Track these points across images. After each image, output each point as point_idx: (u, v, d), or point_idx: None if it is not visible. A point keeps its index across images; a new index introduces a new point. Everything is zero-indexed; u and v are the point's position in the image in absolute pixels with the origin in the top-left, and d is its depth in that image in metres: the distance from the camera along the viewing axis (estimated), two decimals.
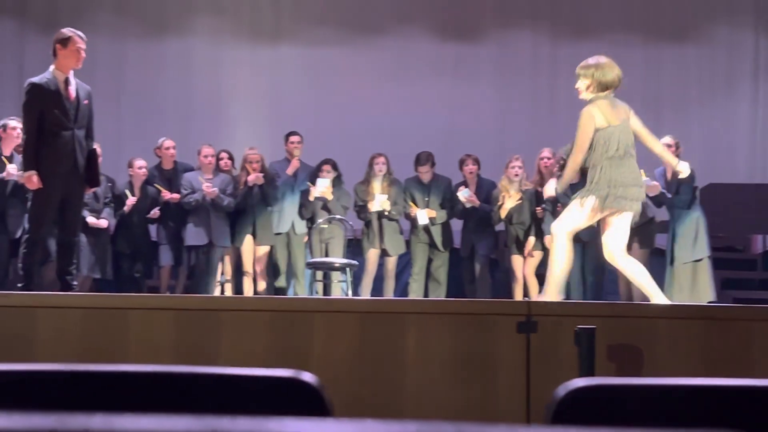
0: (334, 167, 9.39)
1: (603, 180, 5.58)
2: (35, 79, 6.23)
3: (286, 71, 11.32)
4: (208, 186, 8.88)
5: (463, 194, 9.00)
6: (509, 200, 8.78)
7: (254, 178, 9.02)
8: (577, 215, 5.65)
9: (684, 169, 6.15)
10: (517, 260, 8.87)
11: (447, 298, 8.15)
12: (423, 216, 9.11)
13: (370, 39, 11.41)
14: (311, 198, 9.18)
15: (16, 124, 7.90)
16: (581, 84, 5.76)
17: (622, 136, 5.64)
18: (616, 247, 5.70)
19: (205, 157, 9.15)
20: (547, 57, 11.50)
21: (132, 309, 4.79)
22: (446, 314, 4.71)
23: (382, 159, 9.32)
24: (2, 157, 7.99)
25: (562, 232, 5.66)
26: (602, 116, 5.63)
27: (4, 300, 5.00)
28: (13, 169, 7.79)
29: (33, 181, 6.11)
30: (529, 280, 8.74)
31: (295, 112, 11.00)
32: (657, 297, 5.57)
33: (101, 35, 10.93)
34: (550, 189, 8.30)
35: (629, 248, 8.15)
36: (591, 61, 5.81)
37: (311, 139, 9.74)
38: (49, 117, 6.14)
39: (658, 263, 8.64)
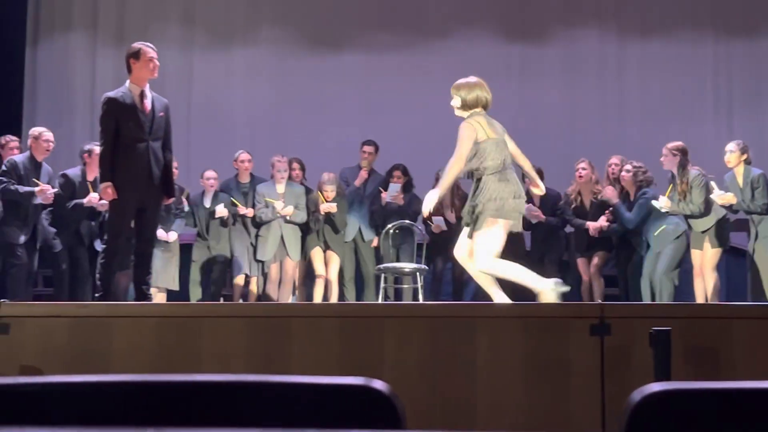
0: (405, 172, 9.40)
1: (487, 194, 5.73)
2: (111, 94, 6.38)
3: (350, 78, 11.35)
4: (284, 209, 8.99)
5: None
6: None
7: (327, 207, 9.07)
8: (491, 243, 5.63)
9: (539, 191, 6.31)
10: (582, 262, 8.79)
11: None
12: None
13: (433, 43, 11.38)
14: (383, 203, 9.21)
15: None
16: (454, 102, 6.20)
17: (501, 150, 5.87)
18: (465, 251, 5.80)
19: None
20: (615, 56, 11.35)
21: (205, 317, 4.83)
22: (517, 318, 4.67)
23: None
24: (87, 183, 8.15)
25: (483, 265, 5.65)
26: (482, 130, 5.91)
27: (80, 311, 5.09)
28: (95, 198, 7.93)
29: (108, 192, 6.23)
30: (594, 281, 8.65)
31: (361, 118, 11.02)
32: (542, 294, 5.53)
33: (169, 47, 11.09)
34: (609, 195, 8.19)
35: (701, 247, 8.03)
36: (461, 81, 6.22)
37: (376, 144, 9.77)
38: (125, 130, 6.28)
39: (736, 263, 8.49)
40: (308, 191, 9.29)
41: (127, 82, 6.40)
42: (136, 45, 6.46)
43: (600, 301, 7.55)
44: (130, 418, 1.57)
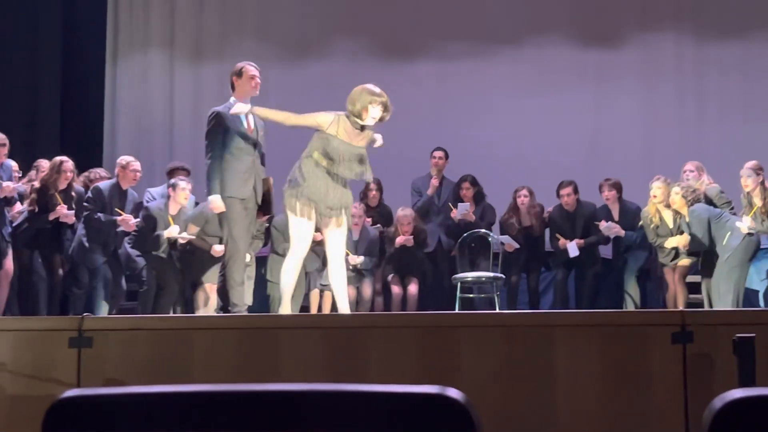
0: (474, 183, 9.39)
1: (309, 186, 6.06)
2: (218, 108, 6.58)
3: (423, 87, 11.35)
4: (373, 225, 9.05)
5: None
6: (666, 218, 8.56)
7: (403, 240, 9.09)
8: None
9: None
10: (668, 271, 8.66)
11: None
12: (573, 248, 9.01)
13: (507, 50, 11.33)
14: (455, 220, 9.23)
15: (185, 184, 8.31)
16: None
17: (340, 153, 6.06)
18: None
19: None
20: (692, 59, 11.16)
21: (282, 329, 4.87)
22: (596, 326, 4.61)
23: (524, 191, 9.32)
24: (168, 215, 8.31)
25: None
26: (336, 125, 6.10)
27: (161, 323, 5.17)
28: (175, 231, 8.15)
29: (216, 204, 6.42)
30: (678, 288, 8.50)
31: (433, 126, 11.01)
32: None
33: (245, 60, 11.22)
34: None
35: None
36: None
37: (450, 154, 9.76)
38: (231, 144, 6.49)
39: None
40: (385, 217, 9.33)
41: (231, 98, 6.60)
42: (240, 64, 6.71)
43: (682, 308, 7.42)
44: (210, 427, 1.59)
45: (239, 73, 6.62)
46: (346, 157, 6.09)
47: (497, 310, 8.17)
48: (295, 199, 6.08)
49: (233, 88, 6.63)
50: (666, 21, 11.29)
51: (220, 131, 6.48)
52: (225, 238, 6.58)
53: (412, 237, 9.10)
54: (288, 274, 6.15)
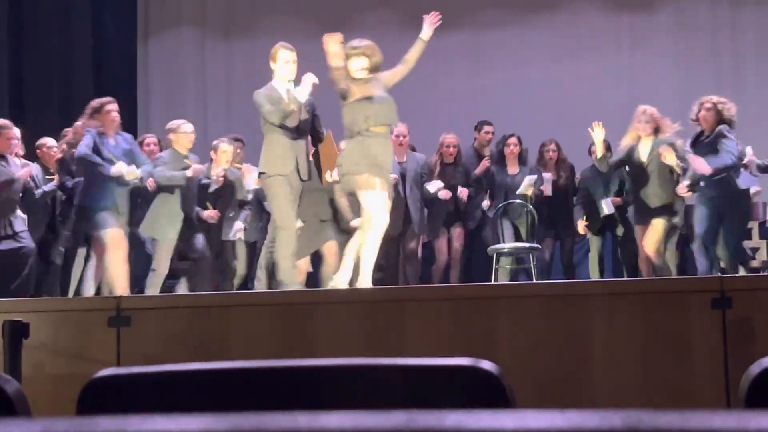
0: (520, 141, 9.21)
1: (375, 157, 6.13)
2: (261, 90, 6.65)
3: (458, 57, 11.28)
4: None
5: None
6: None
7: (446, 195, 8.91)
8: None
9: None
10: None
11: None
12: (609, 205, 8.78)
13: (540, 17, 11.23)
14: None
15: (227, 147, 8.30)
16: (362, 64, 6.55)
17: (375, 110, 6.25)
18: None
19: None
20: (728, 21, 11.00)
21: (319, 303, 4.88)
22: (634, 294, 4.58)
23: (552, 146, 9.18)
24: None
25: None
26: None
27: (198, 301, 5.20)
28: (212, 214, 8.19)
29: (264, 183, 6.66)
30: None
31: (469, 99, 10.95)
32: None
33: (278, 39, 11.20)
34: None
35: None
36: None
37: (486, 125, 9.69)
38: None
39: None
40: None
41: (273, 79, 6.68)
42: (276, 46, 6.82)
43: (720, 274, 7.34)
44: (248, 403, 1.60)
45: (273, 56, 6.72)
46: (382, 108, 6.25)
47: (534, 281, 8.13)
48: (368, 176, 6.07)
49: (272, 69, 6.70)
50: None
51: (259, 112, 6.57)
52: (271, 217, 6.65)
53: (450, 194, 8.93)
54: (374, 251, 6.13)
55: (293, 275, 6.44)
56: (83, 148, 7.15)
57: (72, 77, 11.12)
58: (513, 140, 9.12)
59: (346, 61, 6.28)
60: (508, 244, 8.75)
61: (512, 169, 9.12)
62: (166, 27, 11.90)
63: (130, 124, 11.31)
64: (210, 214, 8.18)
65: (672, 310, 4.42)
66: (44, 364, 4.63)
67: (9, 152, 7.74)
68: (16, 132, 7.82)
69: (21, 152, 8.10)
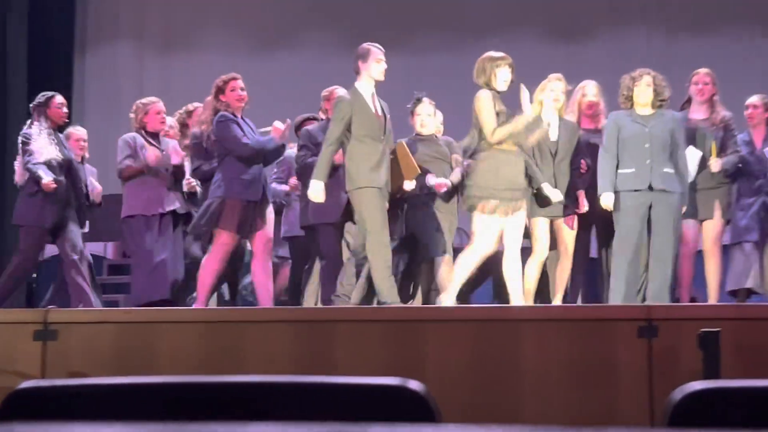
0: None
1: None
2: (342, 93, 6.41)
3: (390, 79, 11.33)
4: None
5: None
6: None
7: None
8: None
9: None
10: None
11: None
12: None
13: (476, 45, 11.26)
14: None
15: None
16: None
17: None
18: None
19: None
20: (663, 51, 11.22)
21: (250, 322, 4.85)
22: (563, 321, 4.63)
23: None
24: None
25: None
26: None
27: (126, 317, 5.14)
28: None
29: (316, 192, 6.09)
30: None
31: (402, 121, 10.99)
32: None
33: (216, 52, 11.19)
34: None
35: None
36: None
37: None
38: (358, 129, 6.19)
39: None
40: None
41: (356, 83, 6.36)
42: (365, 46, 6.42)
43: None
44: (171, 418, 1.58)
45: (364, 56, 6.34)
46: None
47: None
48: (477, 198, 5.89)
49: (357, 71, 6.35)
50: (636, 16, 11.36)
51: (345, 116, 6.17)
52: (362, 233, 6.04)
53: None
54: (468, 269, 5.88)
55: (394, 294, 5.93)
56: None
57: (5, 90, 10.93)
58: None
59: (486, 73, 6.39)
60: None
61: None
62: (104, 40, 11.78)
63: None
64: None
65: (599, 336, 4.48)
66: None
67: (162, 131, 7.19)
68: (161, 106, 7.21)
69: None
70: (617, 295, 5.89)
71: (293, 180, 7.36)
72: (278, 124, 6.63)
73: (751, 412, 1.36)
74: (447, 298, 5.75)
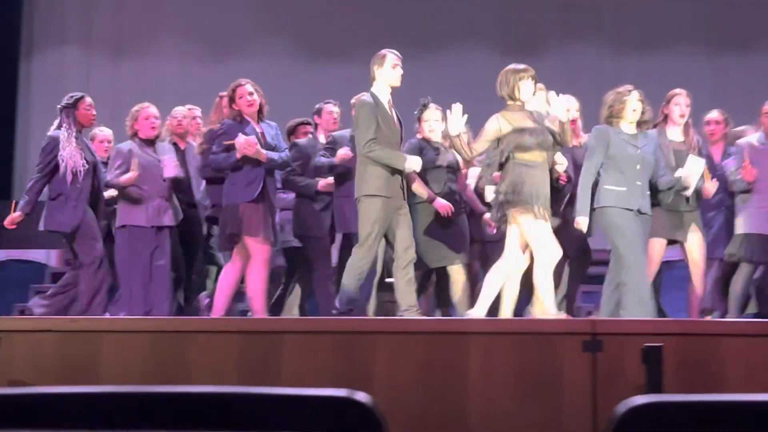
0: None
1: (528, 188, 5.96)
2: (364, 97, 6.31)
3: (346, 91, 11.34)
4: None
5: None
6: None
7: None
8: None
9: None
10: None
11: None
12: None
13: (429, 58, 11.40)
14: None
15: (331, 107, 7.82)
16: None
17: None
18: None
19: None
20: (612, 68, 11.36)
21: (197, 332, 4.81)
22: (509, 334, 4.65)
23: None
24: None
25: None
26: (503, 123, 6.20)
27: (70, 325, 5.07)
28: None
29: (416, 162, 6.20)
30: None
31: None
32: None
33: (166, 59, 11.13)
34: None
35: None
36: None
37: None
38: (378, 135, 6.13)
39: None
40: None
41: (372, 89, 6.32)
42: (383, 51, 6.38)
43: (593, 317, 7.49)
44: (119, 429, 1.57)
45: (380, 62, 6.33)
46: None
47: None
48: (517, 209, 5.82)
49: (374, 76, 6.33)
50: (586, 33, 11.49)
51: (374, 119, 6.15)
52: (361, 238, 6.03)
53: None
54: (502, 277, 5.85)
55: (412, 299, 6.03)
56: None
57: None
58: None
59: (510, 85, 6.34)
60: None
61: None
62: (51, 45, 11.66)
63: (7, 144, 11.04)
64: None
65: (544, 350, 4.51)
66: None
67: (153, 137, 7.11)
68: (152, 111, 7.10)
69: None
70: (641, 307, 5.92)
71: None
72: (240, 140, 6.52)
73: (693, 427, 1.38)
74: (476, 313, 5.75)
